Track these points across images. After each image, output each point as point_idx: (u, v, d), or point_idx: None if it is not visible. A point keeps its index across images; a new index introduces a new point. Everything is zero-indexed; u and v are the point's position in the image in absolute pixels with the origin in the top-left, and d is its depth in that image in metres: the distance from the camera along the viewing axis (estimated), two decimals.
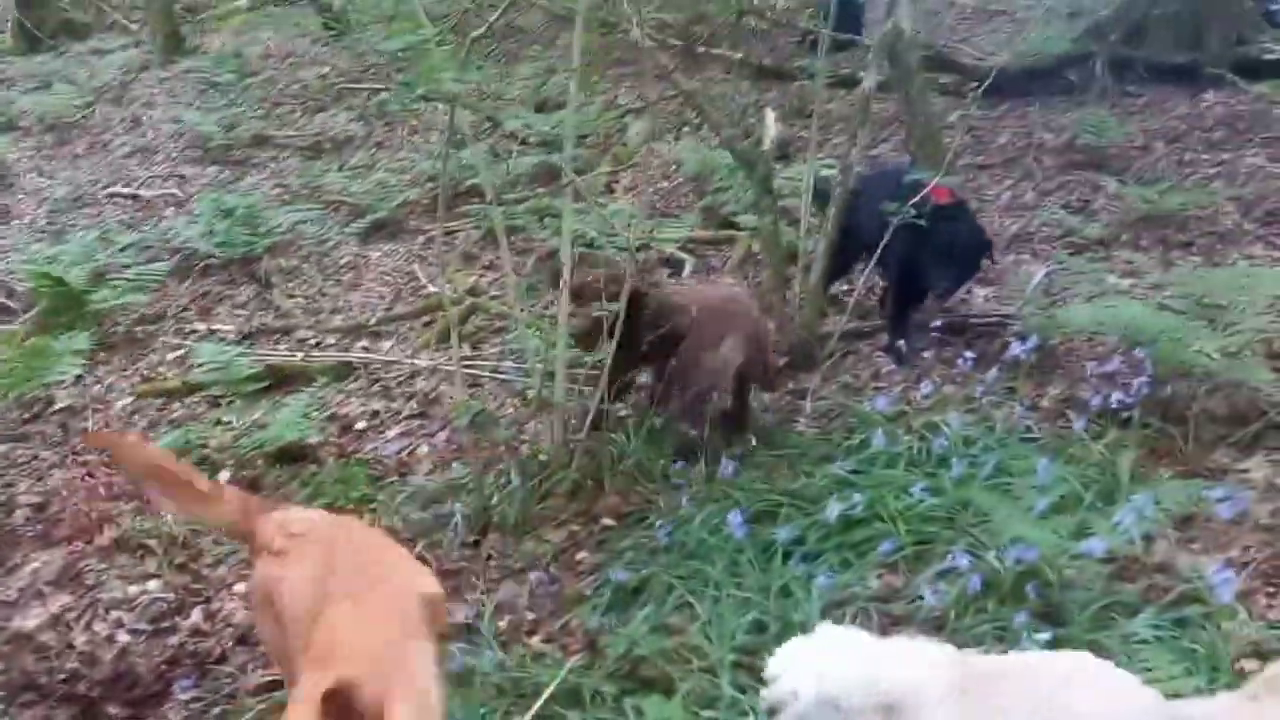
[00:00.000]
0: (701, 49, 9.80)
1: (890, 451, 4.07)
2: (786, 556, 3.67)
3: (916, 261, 4.95)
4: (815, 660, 2.53)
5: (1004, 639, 3.07)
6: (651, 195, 8.08)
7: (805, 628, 3.25)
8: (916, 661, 2.55)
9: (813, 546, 3.69)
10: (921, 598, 3.33)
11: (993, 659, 2.68)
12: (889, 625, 3.28)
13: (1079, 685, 2.43)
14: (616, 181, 8.08)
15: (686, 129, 8.63)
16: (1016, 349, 4.42)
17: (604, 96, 9.19)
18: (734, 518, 3.66)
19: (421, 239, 7.57)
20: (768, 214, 5.34)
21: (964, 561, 3.32)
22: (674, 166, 8.30)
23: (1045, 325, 4.74)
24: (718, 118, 5.88)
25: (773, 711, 2.53)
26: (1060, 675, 2.47)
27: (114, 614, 4.21)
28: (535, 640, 3.67)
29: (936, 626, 3.20)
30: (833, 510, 3.65)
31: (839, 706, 2.46)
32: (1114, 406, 4.07)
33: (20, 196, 9.06)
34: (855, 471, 4.03)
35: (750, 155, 5.60)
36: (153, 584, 4.32)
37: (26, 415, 5.88)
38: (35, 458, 5.46)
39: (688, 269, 6.75)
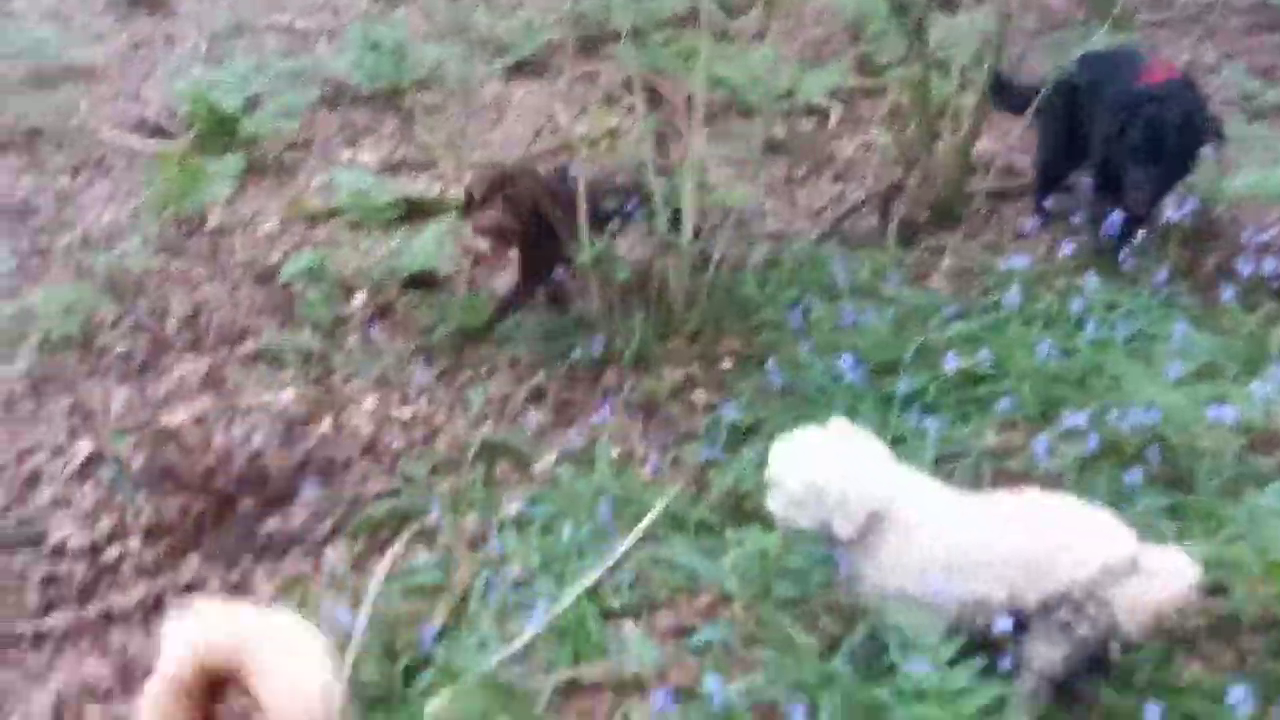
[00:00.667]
0: None
1: (1025, 311, 3.90)
2: (906, 407, 3.60)
3: (1113, 157, 4.30)
4: (817, 449, 2.64)
5: (1120, 502, 2.95)
6: (802, 41, 7.82)
7: None
8: (912, 477, 2.67)
9: (933, 399, 3.61)
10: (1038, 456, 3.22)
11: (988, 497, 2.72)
12: (1001, 480, 3.20)
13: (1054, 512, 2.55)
14: (768, 27, 7.80)
15: None
16: (1172, 213, 4.16)
17: None
18: (846, 360, 3.58)
19: (564, 79, 7.48)
20: (919, 64, 5.10)
21: (1083, 420, 3.19)
22: (829, 13, 7.99)
23: (1206, 190, 4.44)
24: None
25: (769, 496, 2.70)
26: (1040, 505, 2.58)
27: (250, 418, 4.40)
28: (645, 470, 3.70)
29: (1052, 485, 3.10)
30: (951, 363, 3.53)
31: (822, 498, 2.57)
32: (1269, 277, 3.81)
33: (183, 23, 9.26)
34: (986, 328, 3.89)
35: (904, 1, 5.33)
36: (287, 394, 4.49)
37: (182, 232, 6.09)
38: (189, 271, 5.67)
39: (834, 118, 6.54)
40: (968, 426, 3.46)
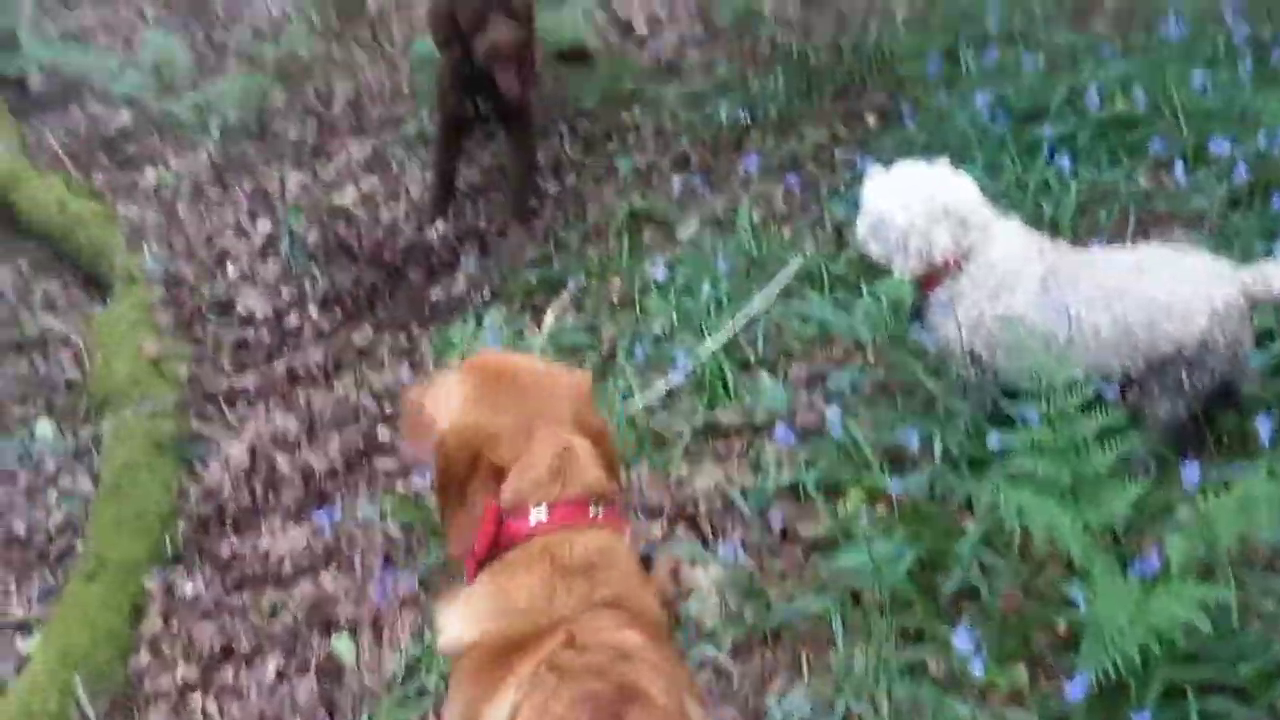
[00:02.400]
0: None
1: (1186, 46, 3.66)
2: (1053, 154, 3.48)
3: None
4: (901, 185, 2.59)
5: (1272, 238, 2.83)
6: None
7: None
8: (1018, 229, 2.59)
9: (1083, 145, 3.47)
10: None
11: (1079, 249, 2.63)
12: (1150, 222, 3.11)
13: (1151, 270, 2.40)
14: None
15: None
16: None
17: None
18: (980, 98, 3.46)
19: None
20: None
21: (1227, 149, 3.03)
22: None
23: None
24: None
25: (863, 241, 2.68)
26: (1133, 263, 2.45)
27: (413, 196, 4.59)
28: (786, 230, 3.73)
29: (1200, 225, 3.00)
30: (1092, 100, 3.37)
31: (886, 232, 2.58)
32: None
33: None
34: (1143, 69, 3.68)
35: None
36: None
37: (343, 18, 6.22)
38: (351, 57, 5.82)
39: None
40: (1118, 170, 3.33)
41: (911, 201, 2.53)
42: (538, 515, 1.63)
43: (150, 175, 5.06)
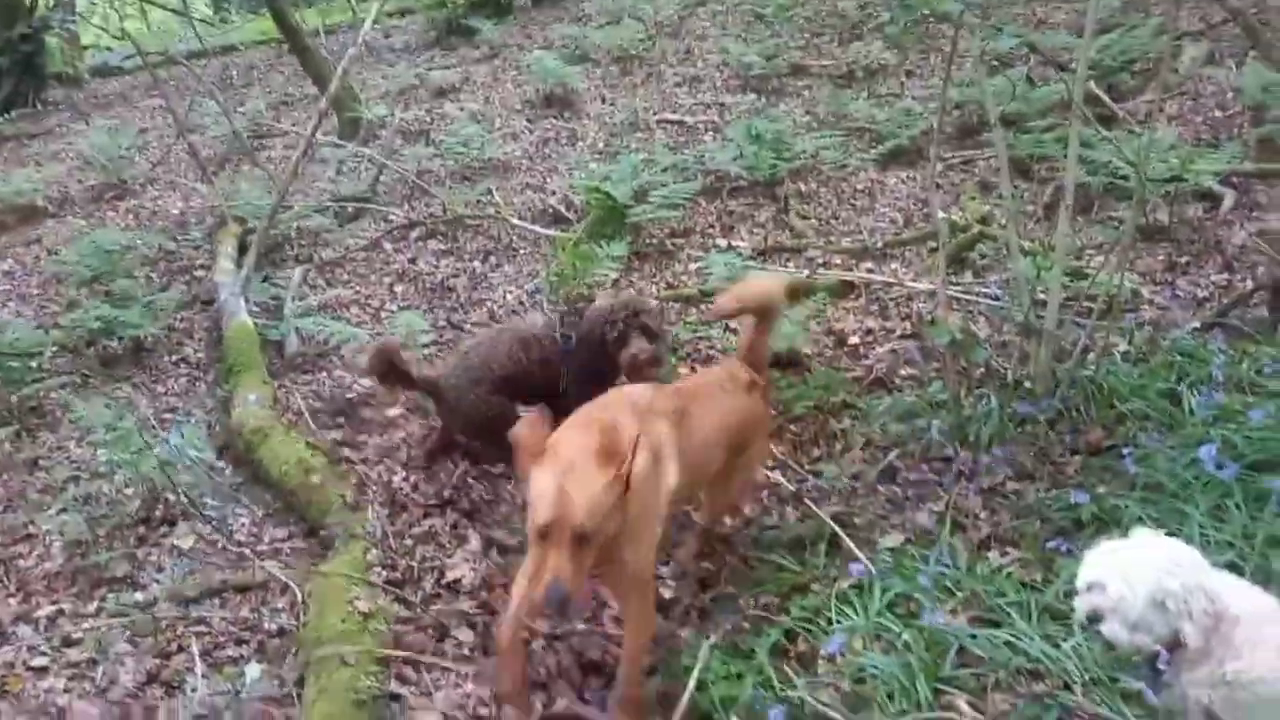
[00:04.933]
0: None
1: None
2: None
3: None
4: (1143, 562, 2.51)
5: None
6: (1198, 123, 7.45)
7: None
8: (1248, 589, 2.52)
9: None
10: None
11: None
12: None
13: None
14: (1161, 109, 7.51)
15: (1253, 54, 7.79)
16: None
17: (1160, 19, 8.54)
18: (1205, 451, 3.41)
19: (940, 166, 7.56)
20: None
21: None
22: (1231, 94, 7.59)
23: None
24: (1269, 38, 5.29)
25: (1093, 619, 2.58)
26: None
27: None
28: (992, 554, 3.68)
29: None
30: None
31: (1168, 607, 2.46)
32: None
33: (585, 121, 10.19)
34: None
35: None
36: None
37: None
38: None
39: (1227, 203, 6.19)
40: None
41: (1174, 567, 2.50)
42: None
43: (381, 439, 5.42)
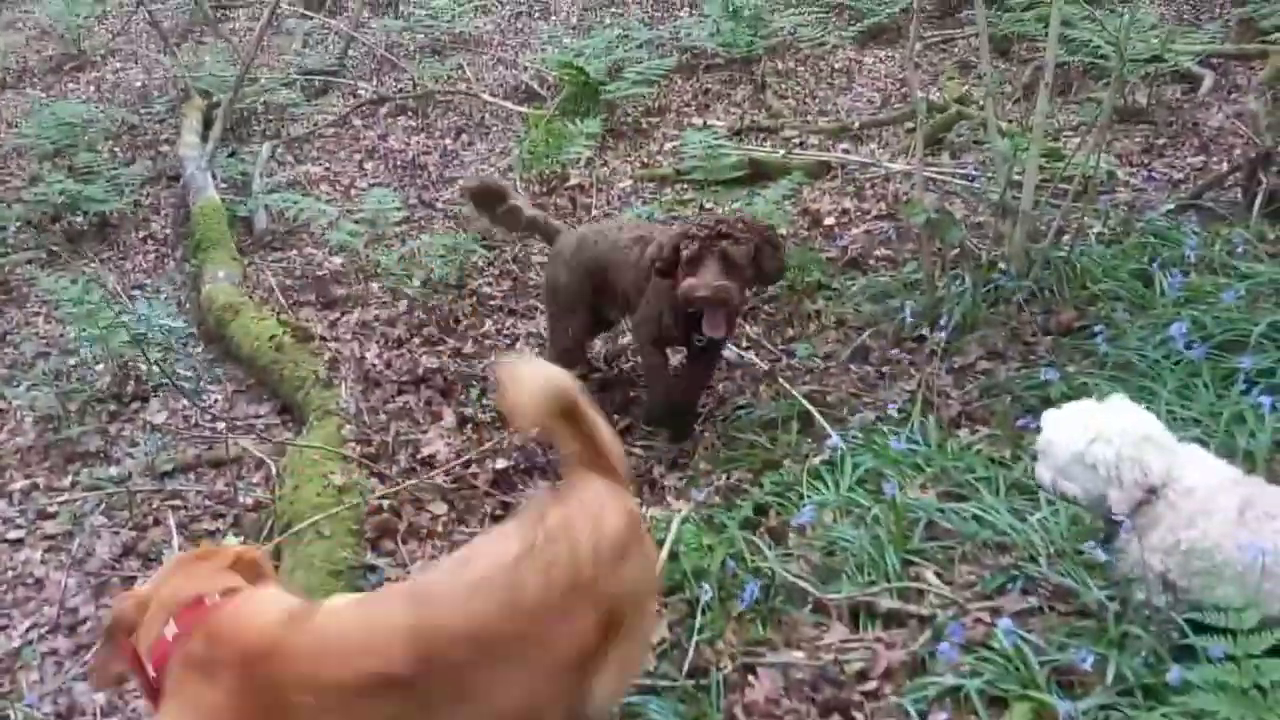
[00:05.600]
0: None
1: None
2: (1250, 387, 3.41)
3: None
4: (1090, 420, 2.57)
5: None
6: (1180, 3, 7.37)
7: (1253, 457, 3.10)
8: (1211, 461, 2.55)
9: None
10: None
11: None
12: None
13: None
14: None
15: None
16: None
17: None
18: (1176, 328, 3.44)
19: (919, 45, 7.44)
20: None
21: None
22: None
23: None
24: None
25: (1034, 458, 2.69)
26: None
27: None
28: (962, 431, 3.73)
29: None
30: None
31: (1094, 470, 2.53)
32: None
33: None
34: None
35: None
36: None
37: (544, 189, 6.61)
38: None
39: (1206, 84, 6.15)
40: None
41: (1111, 434, 2.54)
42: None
43: (353, 317, 5.39)
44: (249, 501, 4.13)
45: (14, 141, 7.96)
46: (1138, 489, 2.51)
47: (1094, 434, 2.55)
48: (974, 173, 5.43)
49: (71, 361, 5.20)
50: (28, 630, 3.65)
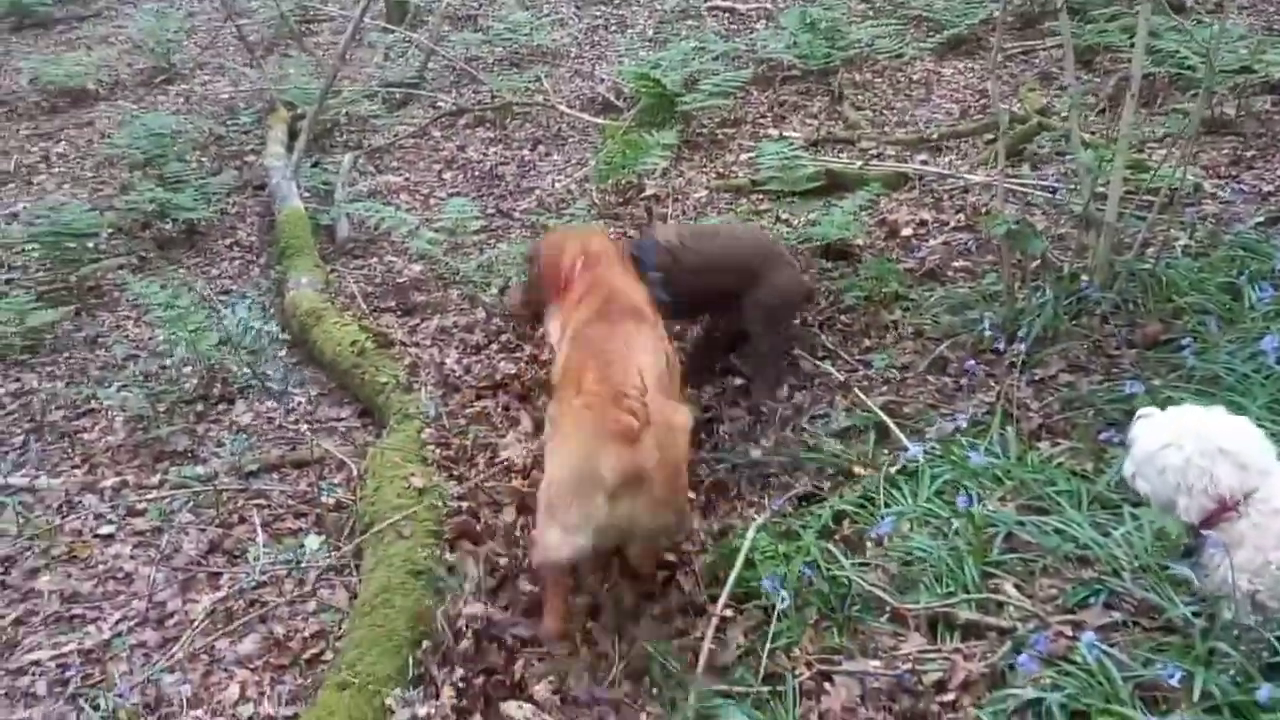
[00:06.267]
0: None
1: None
2: None
3: None
4: (1173, 424, 2.58)
5: None
6: (1271, 12, 7.21)
7: None
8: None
9: None
10: None
11: None
12: None
13: None
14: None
15: None
16: None
17: None
18: (1268, 343, 3.37)
19: (1000, 57, 7.37)
20: None
21: None
22: None
23: None
24: None
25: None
26: None
27: None
28: (1043, 444, 3.69)
29: None
30: None
31: (1164, 475, 2.54)
32: None
33: (635, 8, 10.02)
34: None
35: None
36: None
37: (620, 199, 6.65)
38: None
39: None
40: None
41: (1185, 440, 2.51)
42: None
43: (433, 324, 5.47)
44: (331, 501, 4.20)
45: (106, 151, 8.19)
46: (1206, 498, 2.48)
47: (1170, 438, 2.53)
48: (1056, 184, 5.37)
49: (161, 363, 5.34)
50: (117, 623, 3.74)
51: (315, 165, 7.61)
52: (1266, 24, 6.97)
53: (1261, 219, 4.78)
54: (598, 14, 10.09)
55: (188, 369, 5.25)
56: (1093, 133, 5.72)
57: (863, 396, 4.23)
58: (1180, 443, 2.53)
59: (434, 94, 8.90)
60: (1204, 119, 5.09)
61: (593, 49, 9.40)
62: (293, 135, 7.96)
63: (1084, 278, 4.35)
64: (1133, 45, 6.03)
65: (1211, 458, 2.49)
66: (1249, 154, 5.59)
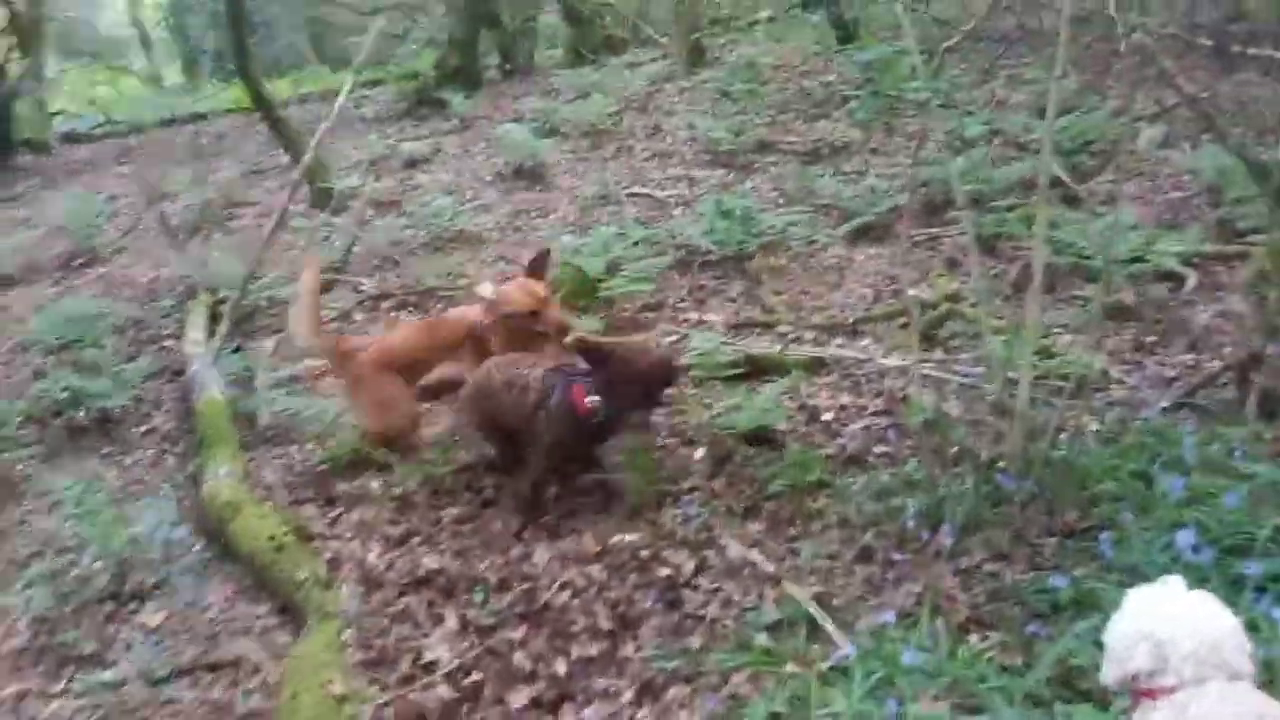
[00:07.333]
0: (1238, 49, 9.16)
1: None
2: (1260, 594, 3.40)
3: None
4: (1139, 597, 2.63)
5: None
6: (1158, 205, 7.64)
7: (1271, 668, 3.06)
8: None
9: None
10: None
11: None
12: None
13: None
14: (1120, 191, 7.69)
15: (1208, 136, 8.02)
16: None
17: (1116, 101, 8.78)
18: (1183, 537, 3.45)
19: (908, 244, 7.68)
20: None
21: None
22: (1188, 175, 7.81)
23: None
24: (1224, 124, 5.46)
25: None
26: None
27: None
28: (973, 637, 3.69)
29: None
30: None
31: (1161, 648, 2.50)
32: None
33: (556, 193, 10.29)
34: None
35: (1265, 164, 5.16)
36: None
37: None
38: None
39: (1190, 283, 6.34)
40: None
41: (1129, 612, 2.60)
42: None
43: (354, 516, 5.37)
44: (245, 709, 4.04)
45: (21, 336, 8.08)
46: (1117, 671, 2.54)
47: (1134, 607, 2.60)
48: (969, 370, 5.53)
49: (70, 560, 5.16)
50: None
51: (236, 350, 7.56)
52: (1156, 216, 7.36)
53: (1167, 404, 4.96)
54: (520, 199, 10.34)
55: (98, 564, 5.07)
56: (1001, 318, 5.93)
57: (794, 589, 4.22)
58: (1125, 612, 2.60)
59: (357, 278, 8.97)
60: (1104, 306, 5.31)
61: (515, 233, 9.59)
62: (214, 320, 7.93)
63: (1001, 464, 4.45)
64: (1033, 235, 6.40)
65: (1137, 638, 2.51)
66: (1149, 340, 5.84)
